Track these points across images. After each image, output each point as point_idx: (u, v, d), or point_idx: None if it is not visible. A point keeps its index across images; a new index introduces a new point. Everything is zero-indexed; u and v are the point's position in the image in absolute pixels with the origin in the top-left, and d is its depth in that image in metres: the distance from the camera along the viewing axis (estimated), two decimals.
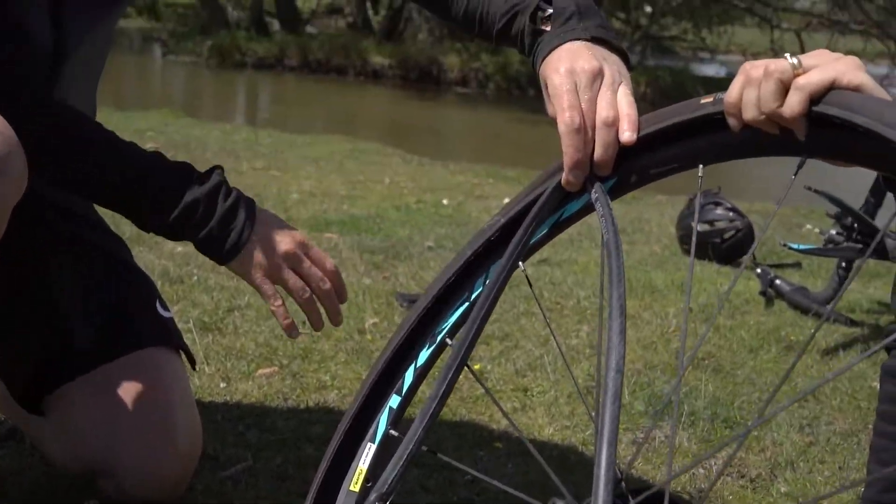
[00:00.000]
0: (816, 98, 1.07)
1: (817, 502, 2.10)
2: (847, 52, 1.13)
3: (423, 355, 1.34)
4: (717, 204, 4.65)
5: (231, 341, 2.81)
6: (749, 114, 1.12)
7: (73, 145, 1.54)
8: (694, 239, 1.38)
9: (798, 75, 1.09)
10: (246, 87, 18.77)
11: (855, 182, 3.90)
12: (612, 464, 0.93)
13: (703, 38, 26.17)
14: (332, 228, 4.62)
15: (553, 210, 1.31)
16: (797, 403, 2.67)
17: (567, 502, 1.23)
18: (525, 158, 9.60)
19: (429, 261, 4.04)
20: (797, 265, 4.57)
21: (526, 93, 18.50)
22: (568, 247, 4.59)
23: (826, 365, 3.12)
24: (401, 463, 1.08)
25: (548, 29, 1.41)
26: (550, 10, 1.42)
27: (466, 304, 1.34)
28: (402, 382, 1.34)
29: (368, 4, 23.55)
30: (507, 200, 1.39)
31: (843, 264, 3.73)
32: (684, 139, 1.22)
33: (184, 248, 3.78)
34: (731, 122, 1.15)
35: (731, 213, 4.60)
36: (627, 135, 1.25)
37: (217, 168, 1.59)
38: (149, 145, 1.63)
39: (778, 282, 3.80)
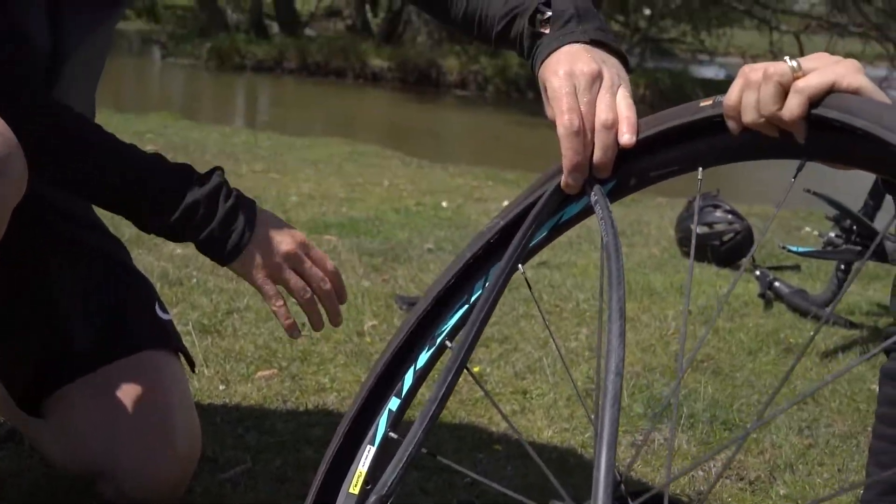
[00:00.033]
0: (816, 101, 1.07)
1: None
2: (846, 55, 1.13)
3: (423, 358, 1.34)
4: (716, 206, 4.65)
5: (230, 344, 2.81)
6: (748, 117, 1.12)
7: (72, 146, 1.54)
8: (693, 241, 1.37)
9: (797, 78, 1.09)
10: (245, 90, 18.78)
11: (854, 185, 3.90)
12: (612, 466, 0.93)
13: (702, 40, 26.18)
14: (332, 231, 4.62)
15: (552, 213, 1.32)
16: (796, 405, 2.67)
17: None
18: (524, 161, 9.60)
19: (428, 263, 4.04)
20: (796, 267, 4.57)
21: (525, 95, 18.51)
22: (567, 249, 4.59)
23: (825, 367, 3.12)
24: (400, 465, 1.08)
25: (547, 31, 1.41)
26: (549, 13, 1.42)
27: (466, 306, 1.34)
28: (402, 385, 1.34)
29: (367, 7, 23.55)
30: (506, 203, 1.39)
31: (842, 267, 3.73)
32: (684, 142, 1.22)
33: (183, 251, 3.78)
34: (731, 124, 1.15)
35: (730, 216, 4.60)
36: (627, 137, 1.25)
37: (217, 169, 1.59)
38: (148, 148, 1.63)
39: (777, 284, 3.80)
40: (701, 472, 2.27)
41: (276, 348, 2.79)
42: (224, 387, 2.50)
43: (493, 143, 13.15)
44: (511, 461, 2.22)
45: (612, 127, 1.26)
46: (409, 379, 1.34)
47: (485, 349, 2.95)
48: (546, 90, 1.34)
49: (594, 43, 1.37)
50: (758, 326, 3.46)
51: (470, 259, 1.34)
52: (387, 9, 22.75)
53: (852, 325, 3.57)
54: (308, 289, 1.61)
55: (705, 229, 4.57)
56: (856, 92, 1.06)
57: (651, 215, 6.00)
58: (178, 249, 3.80)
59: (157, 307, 1.90)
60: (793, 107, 1.08)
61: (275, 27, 23.10)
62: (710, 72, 24.29)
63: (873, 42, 21.08)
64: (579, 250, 4.63)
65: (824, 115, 1.06)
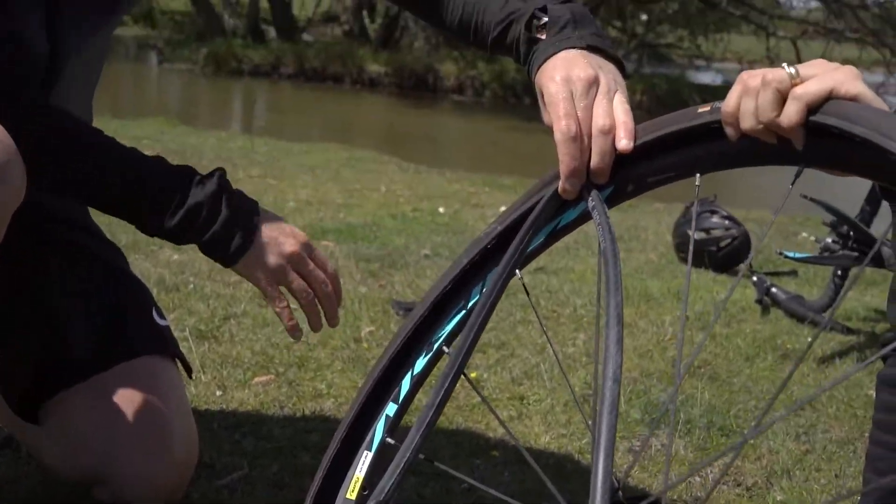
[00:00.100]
0: (814, 108, 1.07)
1: None
2: (843, 60, 1.13)
3: (420, 363, 1.34)
4: (714, 212, 4.65)
5: (227, 349, 2.81)
6: (746, 123, 1.12)
7: (72, 146, 1.54)
8: (691, 247, 1.38)
9: (796, 85, 1.09)
10: (242, 95, 18.78)
11: (851, 191, 3.91)
12: (609, 472, 0.93)
13: (699, 45, 26.24)
14: (329, 237, 4.62)
15: (550, 218, 1.31)
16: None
17: None
18: (521, 166, 9.61)
19: (425, 269, 4.04)
20: (793, 273, 4.58)
21: (522, 101, 18.53)
22: (564, 255, 4.59)
23: (822, 373, 3.12)
24: (398, 471, 1.08)
25: (543, 37, 1.41)
26: (546, 19, 1.42)
27: (463, 312, 1.34)
28: (399, 390, 1.34)
29: (365, 12, 23.56)
30: (503, 209, 1.39)
31: (839, 272, 3.73)
32: (681, 148, 1.22)
33: (180, 257, 3.78)
34: (729, 131, 1.15)
35: (727, 222, 4.60)
36: (624, 143, 1.25)
37: (219, 170, 1.59)
38: (145, 153, 1.62)
39: (774, 290, 3.80)
40: (698, 479, 2.26)
41: (273, 354, 2.79)
42: (221, 393, 2.50)
43: (490, 149, 13.16)
44: (508, 467, 2.21)
45: (610, 132, 1.26)
46: (406, 384, 1.34)
47: (482, 355, 2.95)
48: (543, 96, 1.34)
49: (591, 48, 1.37)
50: (755, 332, 3.46)
51: (467, 265, 1.34)
52: (384, 14, 22.76)
53: (849, 331, 3.57)
54: (310, 291, 1.61)
55: (703, 235, 4.57)
56: (854, 99, 1.06)
57: (648, 221, 6.00)
58: (175, 255, 3.80)
59: (154, 313, 1.90)
60: (791, 113, 1.08)
61: (272, 32, 23.10)
62: (707, 77, 24.35)
63: (870, 48, 21.10)
64: (577, 256, 4.63)
65: (822, 121, 1.07)
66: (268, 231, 1.57)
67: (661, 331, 3.38)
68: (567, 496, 1.17)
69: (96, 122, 1.80)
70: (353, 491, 1.31)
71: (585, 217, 1.30)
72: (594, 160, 1.26)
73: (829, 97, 1.07)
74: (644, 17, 24.18)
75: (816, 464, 2.37)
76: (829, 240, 3.63)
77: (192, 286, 3.39)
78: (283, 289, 1.60)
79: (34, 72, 1.60)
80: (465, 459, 2.24)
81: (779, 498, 2.19)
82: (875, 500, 1.55)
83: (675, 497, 2.17)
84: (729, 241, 4.56)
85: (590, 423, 1.18)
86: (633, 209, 6.50)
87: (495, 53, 1.56)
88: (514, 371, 2.82)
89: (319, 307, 1.63)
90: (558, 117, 1.27)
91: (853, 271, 3.70)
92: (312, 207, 5.54)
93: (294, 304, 1.61)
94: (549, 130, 1.29)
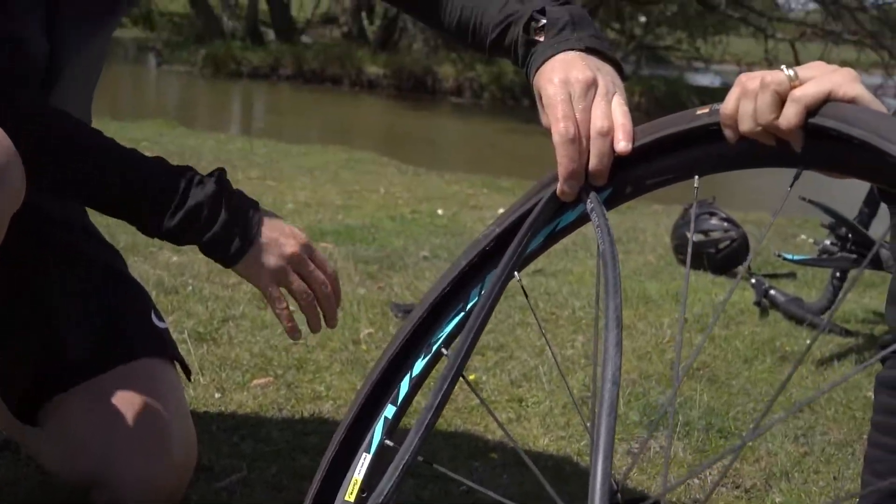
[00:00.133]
0: (813, 110, 1.07)
1: None
2: (841, 62, 1.13)
3: (419, 365, 1.34)
4: (712, 214, 4.65)
5: (226, 352, 2.81)
6: (745, 125, 1.12)
7: (72, 146, 1.53)
8: (690, 249, 1.38)
9: (794, 87, 1.09)
10: (241, 97, 18.78)
11: (849, 193, 3.91)
12: (608, 475, 0.93)
13: (697, 47, 26.27)
14: (327, 238, 4.62)
15: (548, 220, 1.31)
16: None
17: None
18: (520, 168, 9.61)
19: (424, 271, 4.04)
20: (792, 275, 4.58)
21: (520, 103, 18.54)
22: (563, 257, 4.59)
23: (821, 375, 3.12)
24: (397, 473, 1.08)
25: (541, 39, 1.41)
26: (544, 21, 1.42)
27: (462, 314, 1.34)
28: (398, 392, 1.34)
29: (363, 14, 23.57)
30: (501, 210, 1.39)
31: (838, 274, 3.73)
32: (680, 150, 1.22)
33: (179, 259, 3.78)
34: (728, 133, 1.15)
35: (725, 224, 4.60)
36: (622, 144, 1.25)
37: (219, 170, 1.58)
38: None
39: (772, 292, 3.80)
40: (697, 481, 2.26)
41: (271, 356, 2.79)
42: (220, 395, 2.50)
43: (488, 151, 13.16)
44: (507, 469, 2.21)
45: (608, 134, 1.26)
46: (404, 386, 1.34)
47: (480, 357, 2.95)
48: (541, 98, 1.34)
49: (589, 50, 1.37)
50: (753, 334, 3.46)
51: (466, 267, 1.34)
52: (382, 16, 22.77)
53: (848, 333, 3.57)
54: (310, 292, 1.60)
55: (701, 237, 4.57)
56: (852, 101, 1.06)
57: (647, 223, 6.00)
58: (174, 257, 3.80)
59: (153, 315, 1.90)
60: (790, 116, 1.08)
61: (270, 34, 23.12)
62: (705, 79, 24.37)
63: (868, 50, 21.12)
64: (575, 258, 4.63)
65: (821, 124, 1.07)
66: (268, 232, 1.57)
67: (659, 333, 3.38)
68: (566, 498, 1.17)
69: (95, 124, 1.80)
70: (351, 493, 1.31)
71: (584, 219, 1.30)
72: (593, 162, 1.26)
73: (828, 99, 1.07)
74: (643, 18, 24.23)
75: (815, 466, 2.37)
76: (827, 242, 3.64)
77: (190, 288, 3.39)
78: (282, 289, 1.60)
79: (33, 73, 1.60)
80: (464, 461, 2.24)
81: (777, 500, 2.19)
82: (874, 502, 1.55)
83: (674, 499, 2.17)
84: (727, 243, 4.56)
85: (588, 425, 1.18)
86: (631, 210, 6.50)
87: (493, 55, 1.56)
88: (512, 373, 2.82)
89: (318, 308, 1.63)
90: (556, 119, 1.27)
91: (852, 273, 3.70)
92: (311, 209, 5.54)
93: (293, 305, 1.61)
94: (547, 132, 1.29)
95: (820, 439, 2.53)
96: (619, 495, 1.18)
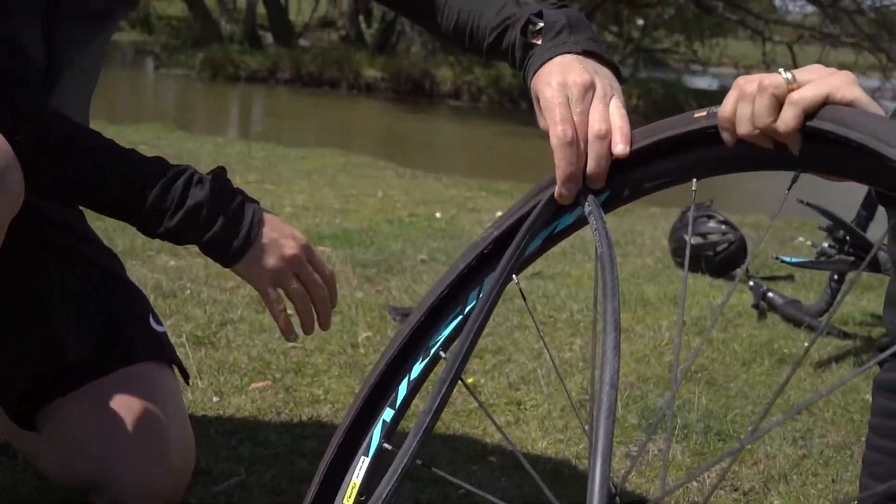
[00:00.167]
0: (811, 113, 1.07)
1: None
2: (839, 65, 1.13)
3: (417, 368, 1.34)
4: (710, 217, 4.65)
5: (224, 355, 2.81)
6: (743, 128, 1.12)
7: (72, 147, 1.53)
8: (688, 252, 1.38)
9: (792, 90, 1.09)
10: (239, 101, 18.79)
11: (847, 196, 3.91)
12: (606, 478, 0.93)
13: (695, 50, 26.30)
14: (325, 242, 4.62)
15: (546, 223, 1.31)
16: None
17: None
18: (517, 171, 9.62)
19: (422, 274, 4.04)
20: (790, 278, 4.58)
21: (518, 106, 18.56)
22: (561, 260, 4.59)
23: (819, 377, 3.12)
24: (395, 477, 1.08)
25: (539, 42, 1.41)
26: (541, 24, 1.42)
27: (460, 317, 1.34)
28: (396, 396, 1.34)
29: (361, 17, 23.59)
30: (499, 213, 1.39)
31: (836, 277, 3.73)
32: (678, 153, 1.22)
33: (176, 263, 3.78)
34: (725, 136, 1.15)
35: (723, 226, 4.60)
36: (620, 147, 1.25)
37: (219, 169, 1.58)
38: None
39: (770, 294, 3.80)
40: (695, 484, 2.26)
41: (269, 360, 2.79)
42: (218, 399, 2.50)
43: (486, 154, 13.17)
44: (505, 472, 2.21)
45: (606, 137, 1.26)
46: (403, 390, 1.34)
47: (479, 360, 2.95)
48: (539, 101, 1.34)
49: (586, 53, 1.37)
50: (752, 337, 3.46)
51: (464, 270, 1.34)
52: (380, 19, 22.80)
53: (846, 336, 3.57)
54: (307, 294, 1.60)
55: (699, 239, 4.57)
56: (850, 104, 1.06)
57: (645, 225, 6.00)
58: (172, 261, 3.80)
59: (151, 319, 1.90)
60: (788, 119, 1.08)
61: (268, 38, 23.15)
62: (703, 82, 24.40)
63: (866, 52, 21.17)
64: (573, 261, 4.63)
65: (819, 127, 1.06)
66: (269, 233, 1.57)
67: (657, 336, 3.38)
68: (564, 501, 1.17)
69: (93, 128, 1.80)
70: (350, 497, 1.31)
71: (582, 222, 1.30)
72: (590, 165, 1.26)
73: (826, 102, 1.07)
74: (640, 21, 24.25)
75: (813, 468, 2.37)
76: (825, 244, 3.64)
77: (188, 292, 3.39)
78: (279, 290, 1.60)
79: (32, 75, 1.60)
80: (462, 465, 2.24)
81: (776, 503, 2.19)
82: None
83: (673, 502, 2.17)
84: (725, 245, 4.56)
85: (587, 428, 1.18)
86: (629, 213, 6.51)
87: (491, 59, 1.56)
88: (510, 376, 2.82)
89: (313, 310, 1.63)
90: (554, 122, 1.27)
91: (850, 276, 3.70)
92: (309, 213, 5.54)
93: (289, 306, 1.61)
94: (545, 135, 1.29)
95: (818, 442, 2.53)
96: (617, 498, 1.18)
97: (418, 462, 1.12)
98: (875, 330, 3.71)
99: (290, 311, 1.61)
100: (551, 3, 1.46)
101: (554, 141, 1.26)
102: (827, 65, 1.13)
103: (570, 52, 1.36)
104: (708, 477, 2.33)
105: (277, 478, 2.09)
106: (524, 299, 1.42)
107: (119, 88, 17.28)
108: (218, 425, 2.33)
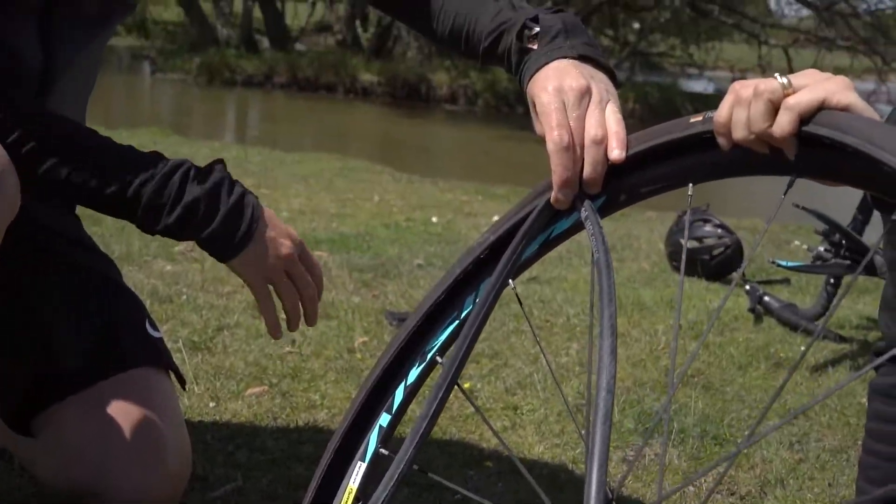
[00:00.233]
0: (806, 118, 1.07)
1: None
2: (834, 68, 1.13)
3: (414, 373, 1.34)
4: (706, 221, 4.66)
5: (220, 360, 2.81)
6: (739, 133, 1.12)
7: (71, 146, 1.53)
8: (684, 256, 1.38)
9: (788, 95, 1.09)
10: (235, 105, 18.78)
11: (843, 200, 3.92)
12: (603, 482, 0.93)
13: (691, 54, 26.32)
14: (322, 246, 4.62)
15: (543, 228, 1.31)
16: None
17: None
18: (514, 176, 9.62)
19: (418, 279, 4.04)
20: (786, 282, 4.58)
21: (514, 110, 18.56)
22: (557, 264, 4.59)
23: (815, 381, 3.13)
24: (391, 482, 1.08)
25: (535, 47, 1.41)
26: (537, 29, 1.42)
27: (456, 321, 1.34)
28: (393, 401, 1.34)
29: (357, 22, 23.58)
30: (496, 218, 1.39)
31: (832, 281, 3.74)
32: (674, 158, 1.22)
33: (173, 268, 3.78)
34: (721, 141, 1.15)
35: (719, 230, 4.61)
36: (616, 152, 1.25)
37: (218, 162, 1.58)
38: None
39: (766, 298, 3.81)
40: (692, 488, 2.26)
41: (266, 365, 2.79)
42: (214, 404, 2.50)
43: (482, 158, 13.17)
44: (502, 477, 2.21)
45: (602, 142, 1.26)
46: (399, 395, 1.34)
47: (475, 365, 2.95)
48: (535, 106, 1.34)
49: (582, 58, 1.37)
50: (748, 341, 3.46)
51: (460, 274, 1.34)
52: (377, 24, 22.79)
53: (842, 339, 3.57)
54: (297, 293, 1.61)
55: (695, 244, 4.58)
56: (846, 109, 1.07)
57: (641, 230, 6.01)
58: (168, 267, 3.80)
59: (147, 325, 1.89)
60: (783, 124, 1.08)
61: (265, 42, 23.14)
62: (699, 86, 24.41)
63: (861, 56, 21.19)
64: (570, 265, 4.64)
65: (815, 132, 1.07)
66: (267, 230, 1.57)
67: (654, 340, 3.38)
68: None
69: None
70: (346, 502, 1.31)
71: (578, 227, 1.30)
72: (587, 170, 1.26)
73: (821, 107, 1.07)
74: (636, 25, 24.28)
75: (810, 473, 2.37)
76: (821, 248, 3.65)
77: (185, 297, 3.39)
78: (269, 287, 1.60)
79: (28, 79, 1.60)
80: (459, 470, 2.24)
81: None
82: None
83: None
84: (721, 249, 4.56)
85: (583, 432, 1.18)
86: (625, 218, 6.51)
87: (487, 63, 1.56)
88: (507, 381, 2.82)
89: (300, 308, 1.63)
90: (551, 128, 1.28)
91: (846, 280, 3.71)
92: (305, 217, 5.54)
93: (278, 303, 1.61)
94: (541, 140, 1.29)
95: (815, 446, 2.53)
96: (614, 503, 1.18)
97: (415, 467, 1.12)
98: (871, 334, 3.71)
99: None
100: (547, 7, 1.46)
101: (550, 146, 1.26)
102: (822, 68, 1.13)
103: (566, 57, 1.36)
104: (705, 481, 2.33)
105: (274, 483, 2.09)
106: (521, 304, 1.42)
107: (115, 93, 17.27)
108: (214, 431, 2.33)
